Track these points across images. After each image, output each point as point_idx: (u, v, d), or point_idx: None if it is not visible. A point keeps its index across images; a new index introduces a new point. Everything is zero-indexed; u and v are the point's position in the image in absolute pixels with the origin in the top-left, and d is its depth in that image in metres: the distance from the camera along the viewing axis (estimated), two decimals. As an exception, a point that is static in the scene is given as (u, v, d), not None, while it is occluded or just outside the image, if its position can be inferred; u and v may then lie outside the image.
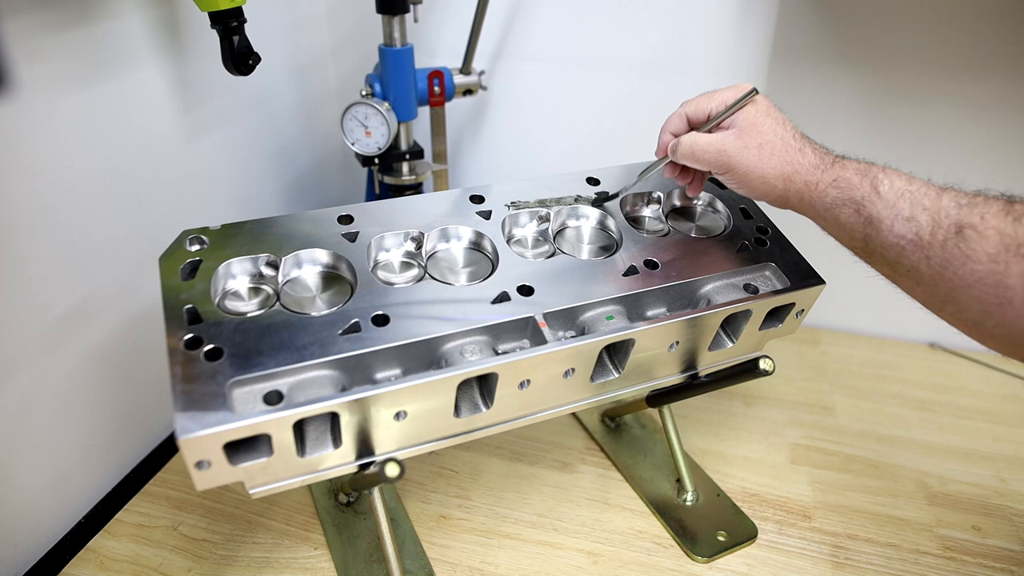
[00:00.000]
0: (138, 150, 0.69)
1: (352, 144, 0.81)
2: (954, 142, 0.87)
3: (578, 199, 0.65)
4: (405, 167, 0.86)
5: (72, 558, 0.64)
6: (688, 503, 0.71)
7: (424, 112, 0.88)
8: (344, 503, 0.70)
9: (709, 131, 0.58)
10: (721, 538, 0.67)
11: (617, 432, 0.80)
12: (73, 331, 0.65)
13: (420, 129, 0.90)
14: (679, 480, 0.72)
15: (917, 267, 0.46)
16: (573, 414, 0.83)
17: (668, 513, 0.70)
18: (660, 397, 0.70)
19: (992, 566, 0.66)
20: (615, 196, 0.66)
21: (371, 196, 0.93)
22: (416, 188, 0.87)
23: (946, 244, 0.44)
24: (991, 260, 0.41)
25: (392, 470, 0.46)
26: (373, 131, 0.80)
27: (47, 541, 0.66)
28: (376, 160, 0.82)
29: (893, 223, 0.47)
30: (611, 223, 0.64)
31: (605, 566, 0.65)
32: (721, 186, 0.69)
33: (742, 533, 0.68)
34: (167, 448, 0.78)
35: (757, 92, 0.57)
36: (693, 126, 0.60)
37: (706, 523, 0.69)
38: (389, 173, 0.85)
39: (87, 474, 0.70)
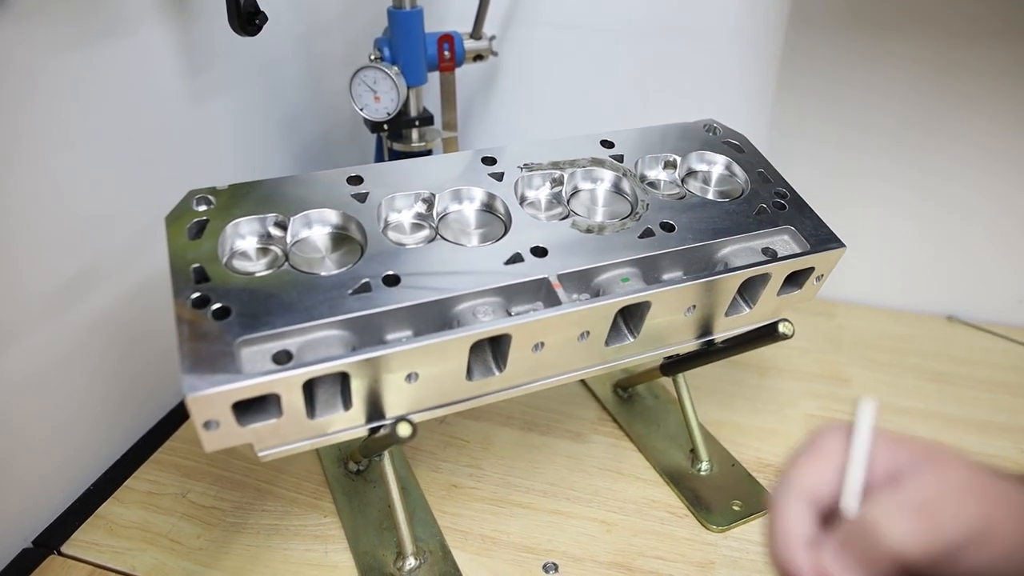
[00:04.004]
0: (143, 112, 0.67)
1: (361, 109, 0.79)
2: (980, 111, 0.85)
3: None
4: (415, 134, 0.84)
5: (82, 524, 0.64)
6: (703, 473, 0.70)
7: (434, 79, 0.87)
8: (354, 471, 0.69)
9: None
10: (736, 508, 0.66)
11: (630, 402, 0.79)
12: (79, 297, 0.64)
13: (430, 96, 0.89)
14: (693, 450, 0.71)
15: None
16: (585, 385, 0.82)
17: (682, 483, 0.69)
18: (675, 365, 0.68)
19: (1012, 537, 0.65)
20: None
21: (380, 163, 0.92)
22: (426, 155, 0.86)
23: None
24: None
25: (404, 429, 0.45)
26: (382, 96, 0.78)
27: (56, 507, 0.66)
28: (385, 126, 0.81)
29: None
30: (626, 185, 0.63)
31: (618, 535, 0.64)
32: (739, 150, 0.68)
33: (758, 503, 0.67)
34: (176, 416, 0.77)
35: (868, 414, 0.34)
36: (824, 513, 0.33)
37: (721, 493, 0.68)
38: (398, 140, 0.84)
39: (95, 441, 0.70)
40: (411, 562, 0.59)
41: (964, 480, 0.31)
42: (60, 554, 0.61)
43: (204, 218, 0.53)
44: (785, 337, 0.58)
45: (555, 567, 0.61)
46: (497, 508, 0.66)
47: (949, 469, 0.32)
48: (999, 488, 0.32)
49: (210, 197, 0.54)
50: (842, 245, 0.60)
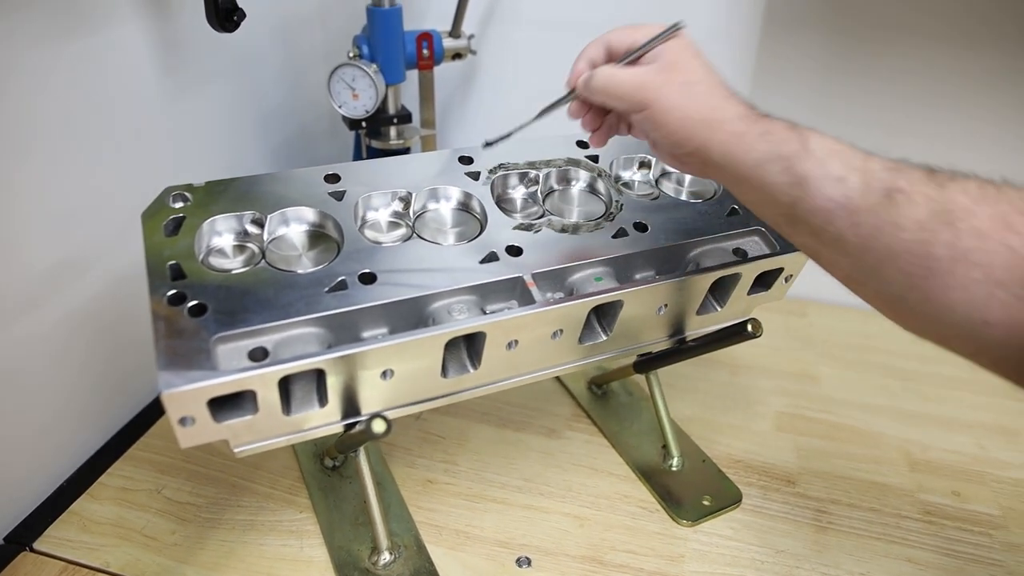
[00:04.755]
0: (119, 108, 0.67)
1: (339, 107, 0.80)
2: (952, 114, 0.87)
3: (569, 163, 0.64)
4: (393, 131, 0.85)
5: (55, 520, 0.64)
6: (674, 469, 0.71)
7: (412, 77, 0.87)
8: (330, 467, 0.69)
9: (628, 64, 0.51)
10: (706, 503, 0.68)
11: (604, 399, 0.80)
12: (54, 292, 0.64)
13: (409, 94, 0.89)
14: (665, 446, 0.72)
15: (844, 235, 0.41)
16: (560, 381, 0.83)
17: (654, 478, 0.70)
18: (648, 363, 0.70)
19: (970, 530, 0.67)
20: (507, 135, 0.58)
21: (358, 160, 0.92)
22: (404, 153, 0.86)
23: (876, 209, 0.40)
24: (920, 228, 0.38)
25: (379, 426, 0.46)
26: (360, 93, 0.78)
27: (29, 504, 0.65)
28: (363, 123, 0.81)
29: (823, 183, 0.42)
30: (601, 186, 0.64)
31: (591, 529, 0.65)
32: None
33: (727, 498, 0.68)
34: (151, 412, 0.77)
35: (683, 27, 0.50)
36: (612, 59, 0.53)
37: (691, 488, 0.69)
38: (376, 137, 0.84)
39: (69, 437, 0.70)
40: (386, 557, 0.60)
41: (687, 77, 0.48)
42: (32, 550, 0.61)
43: (181, 215, 0.53)
44: (753, 336, 0.59)
45: (528, 561, 0.62)
46: (472, 503, 0.67)
47: (686, 74, 0.48)
48: (718, 93, 0.48)
49: (187, 194, 0.54)
50: (810, 246, 0.62)
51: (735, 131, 0.46)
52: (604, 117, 0.55)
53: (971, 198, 0.38)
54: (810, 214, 0.43)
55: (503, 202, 0.61)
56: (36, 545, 0.61)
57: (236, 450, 0.49)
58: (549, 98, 0.56)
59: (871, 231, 0.40)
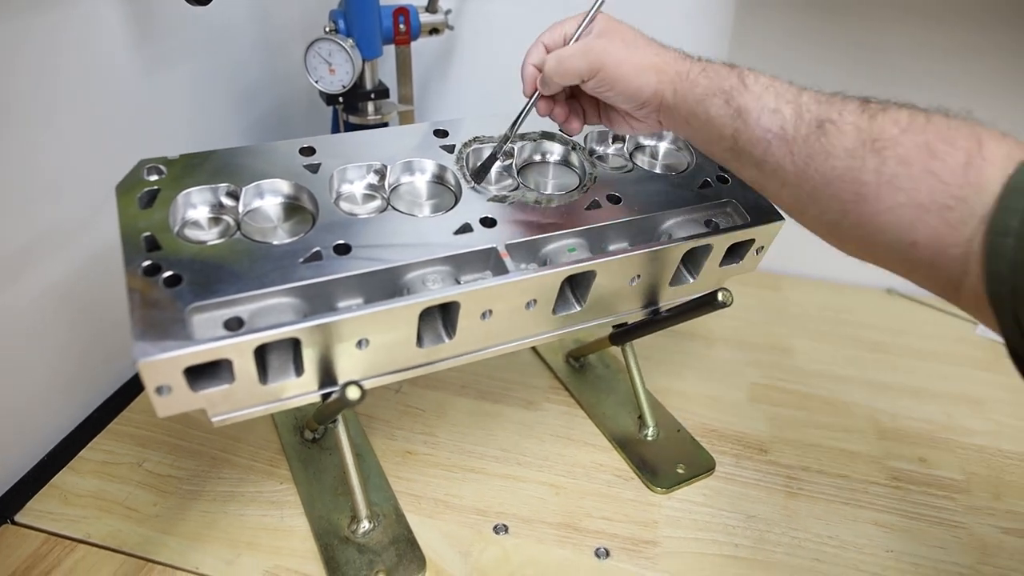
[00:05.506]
0: (93, 82, 0.67)
1: (316, 82, 0.80)
2: (930, 92, 0.87)
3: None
4: (370, 107, 0.85)
5: (36, 493, 0.64)
6: (649, 438, 0.73)
7: (390, 52, 0.87)
8: (310, 439, 0.70)
9: None
10: (680, 471, 0.69)
11: (581, 372, 0.81)
12: (31, 267, 0.64)
13: (386, 70, 0.89)
14: (640, 416, 0.73)
15: (782, 164, 0.45)
16: (538, 354, 0.84)
17: (629, 448, 0.72)
18: (623, 334, 0.71)
19: (935, 494, 0.69)
20: (494, 158, 0.60)
21: (336, 138, 0.92)
22: (381, 128, 0.86)
23: (808, 139, 0.43)
24: (849, 155, 0.41)
25: (353, 392, 0.47)
26: (337, 68, 0.78)
27: (10, 477, 0.66)
28: (340, 99, 0.81)
29: (760, 115, 0.45)
30: (575, 159, 0.64)
31: (567, 497, 0.67)
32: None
33: (700, 466, 0.70)
34: (131, 387, 0.77)
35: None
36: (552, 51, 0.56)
37: (666, 457, 0.71)
38: (354, 113, 0.84)
39: (49, 412, 0.70)
40: (365, 525, 0.61)
41: (624, 37, 0.53)
42: (14, 523, 0.62)
43: (155, 188, 0.53)
44: (724, 305, 0.60)
45: (505, 528, 0.63)
46: (450, 473, 0.68)
47: (622, 35, 0.54)
48: (654, 44, 0.53)
49: (161, 167, 0.55)
50: (781, 218, 0.63)
51: (679, 70, 0.50)
52: (568, 105, 0.58)
53: (900, 127, 0.40)
54: (751, 145, 0.46)
55: (477, 175, 0.62)
56: (18, 518, 0.62)
57: (214, 419, 0.50)
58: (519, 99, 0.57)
59: (805, 159, 0.43)
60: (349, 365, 0.52)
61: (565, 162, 0.65)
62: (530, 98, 0.57)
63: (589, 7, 0.55)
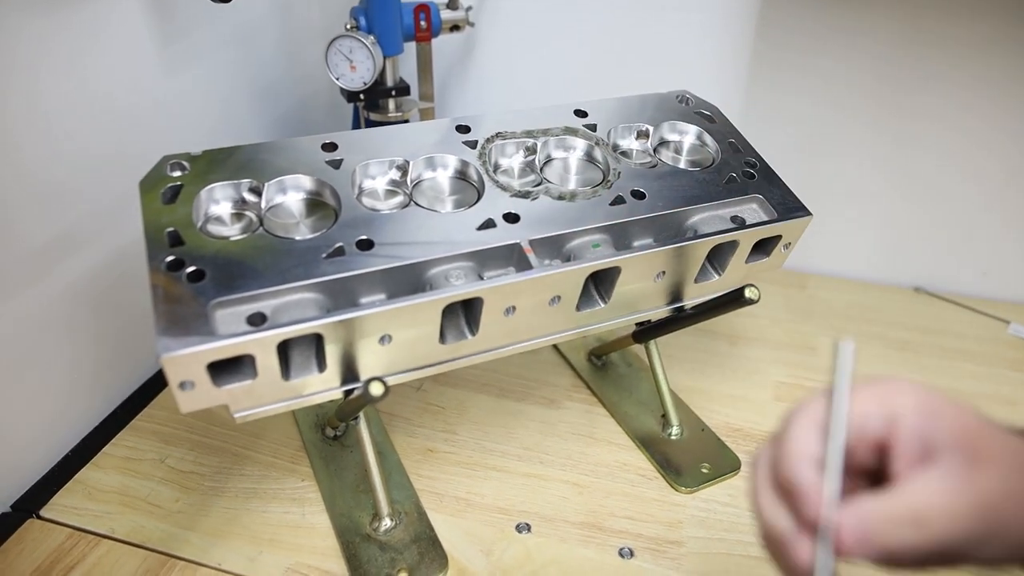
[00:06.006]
0: (117, 80, 0.67)
1: (337, 79, 0.79)
2: (952, 87, 0.86)
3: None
4: (391, 103, 0.84)
5: (60, 489, 0.65)
6: (673, 437, 0.72)
7: (411, 49, 0.86)
8: (331, 437, 0.70)
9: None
10: (704, 470, 0.68)
11: (603, 370, 0.81)
12: (56, 263, 0.64)
13: (407, 67, 0.89)
14: (664, 415, 0.72)
15: None
16: (560, 352, 0.83)
17: (653, 447, 0.71)
18: (646, 332, 0.70)
19: (968, 496, 0.67)
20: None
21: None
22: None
23: None
24: None
25: (376, 389, 0.46)
26: (358, 65, 0.78)
27: (35, 472, 0.66)
28: (361, 96, 0.81)
29: None
30: (598, 154, 0.63)
31: (590, 496, 0.66)
32: (710, 120, 0.69)
33: (725, 465, 0.69)
34: (154, 384, 0.78)
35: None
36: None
37: (690, 456, 0.70)
38: (375, 110, 0.84)
39: (73, 408, 0.70)
40: (387, 523, 0.60)
41: (965, 478, 0.30)
42: (39, 518, 0.62)
43: (179, 183, 0.53)
44: (751, 302, 0.59)
45: (528, 527, 0.62)
46: (471, 471, 0.68)
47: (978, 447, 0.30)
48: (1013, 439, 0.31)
49: (184, 163, 0.55)
50: (809, 213, 0.62)
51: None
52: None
53: None
54: None
55: (499, 171, 0.61)
56: (42, 512, 0.62)
57: (236, 415, 0.50)
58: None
59: None
60: (371, 361, 0.51)
61: (589, 158, 0.64)
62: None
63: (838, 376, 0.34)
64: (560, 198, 0.58)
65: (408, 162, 0.58)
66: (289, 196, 0.55)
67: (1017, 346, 0.88)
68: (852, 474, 0.32)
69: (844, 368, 0.34)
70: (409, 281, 0.52)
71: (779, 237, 0.62)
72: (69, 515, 0.62)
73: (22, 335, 0.63)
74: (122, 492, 0.65)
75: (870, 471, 0.33)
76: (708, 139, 0.67)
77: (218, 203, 0.54)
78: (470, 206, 0.56)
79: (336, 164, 0.57)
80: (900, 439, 0.31)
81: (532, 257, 0.53)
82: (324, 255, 0.50)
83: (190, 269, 0.47)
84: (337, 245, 0.51)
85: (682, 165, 0.65)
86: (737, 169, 0.64)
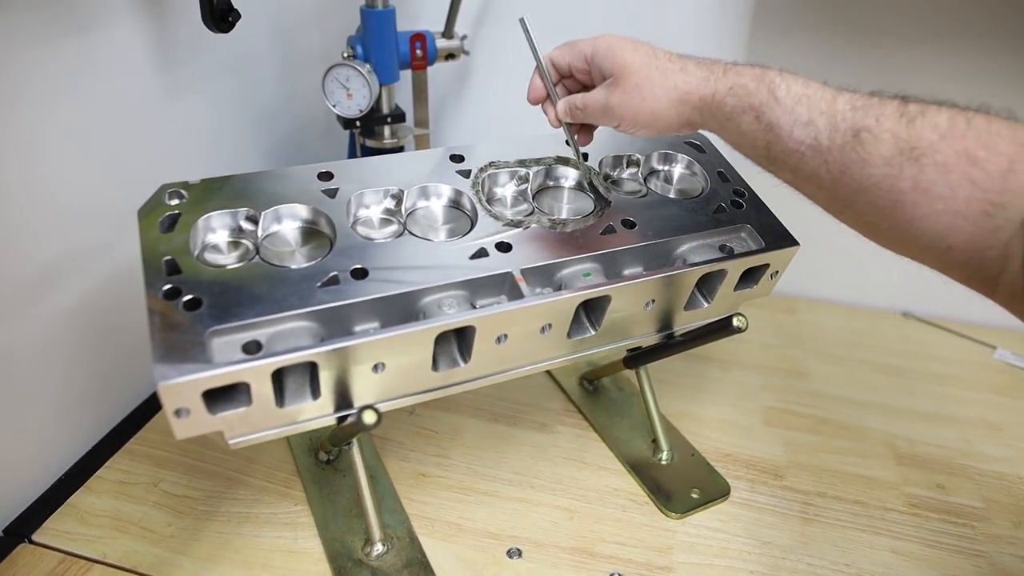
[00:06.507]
0: (116, 106, 0.68)
1: (333, 106, 0.81)
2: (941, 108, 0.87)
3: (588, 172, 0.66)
4: (387, 131, 0.86)
5: (53, 513, 0.65)
6: (663, 462, 0.72)
7: (406, 77, 0.88)
8: (324, 461, 0.70)
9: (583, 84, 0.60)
10: (695, 495, 0.69)
11: (595, 395, 0.81)
12: (52, 288, 0.65)
13: (402, 94, 0.90)
14: (655, 440, 0.73)
15: (817, 172, 0.45)
16: (552, 377, 0.84)
17: (643, 472, 0.71)
18: (637, 358, 0.71)
19: (954, 522, 0.68)
20: (592, 171, 0.66)
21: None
22: (398, 152, 0.87)
23: (844, 148, 0.43)
24: (886, 164, 0.41)
25: (369, 417, 0.47)
26: (354, 93, 0.79)
27: (27, 497, 0.66)
28: (357, 123, 0.82)
29: (792, 129, 0.46)
30: (589, 183, 0.65)
31: (580, 521, 0.66)
32: (700, 150, 0.70)
33: (715, 491, 0.70)
34: (148, 408, 0.78)
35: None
36: (562, 74, 0.61)
37: (680, 481, 0.70)
38: (371, 136, 0.85)
39: (66, 432, 0.71)
40: (379, 548, 0.61)
41: (636, 78, 0.54)
42: (31, 542, 0.62)
43: (176, 212, 0.54)
44: (739, 331, 0.60)
45: (519, 552, 0.63)
46: (463, 496, 0.68)
47: (633, 75, 0.54)
48: (671, 72, 0.53)
49: (182, 191, 0.55)
50: (795, 243, 0.63)
51: (703, 95, 0.51)
52: (580, 125, 0.62)
53: (939, 133, 0.40)
54: (784, 155, 0.47)
55: (493, 200, 0.62)
56: (35, 537, 0.62)
57: (231, 441, 0.50)
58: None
59: (840, 168, 0.44)
60: (365, 388, 0.52)
61: (580, 187, 0.65)
62: (565, 126, 0.62)
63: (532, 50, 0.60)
64: (552, 227, 0.59)
65: (403, 191, 0.59)
66: (285, 225, 0.56)
67: (1003, 371, 0.89)
68: (575, 88, 0.62)
69: (532, 34, 0.61)
70: (402, 309, 0.53)
71: (767, 266, 0.63)
72: (61, 539, 0.62)
73: (16, 357, 0.63)
74: (115, 516, 0.65)
75: (589, 85, 0.59)
76: (698, 168, 0.69)
77: (215, 231, 0.55)
78: (463, 235, 0.57)
79: (332, 193, 0.58)
80: (592, 71, 0.58)
81: (524, 286, 0.54)
82: (319, 284, 0.51)
83: (187, 297, 0.48)
84: (332, 274, 0.52)
85: (672, 194, 0.66)
86: (725, 198, 0.65)
